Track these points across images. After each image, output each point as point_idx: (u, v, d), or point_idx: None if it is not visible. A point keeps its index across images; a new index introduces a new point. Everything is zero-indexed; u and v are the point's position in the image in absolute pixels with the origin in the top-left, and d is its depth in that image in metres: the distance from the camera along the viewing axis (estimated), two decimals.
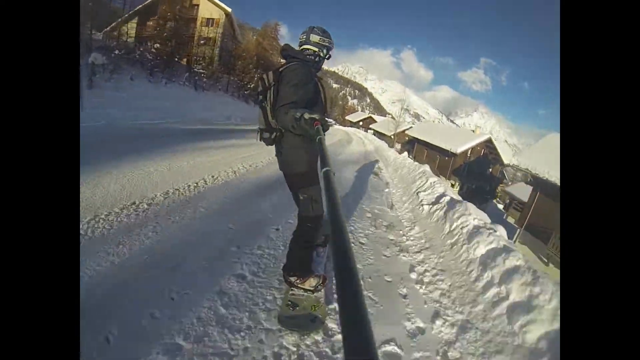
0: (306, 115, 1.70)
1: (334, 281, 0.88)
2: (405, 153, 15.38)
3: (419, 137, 37.36)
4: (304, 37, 2.29)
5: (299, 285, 2.32)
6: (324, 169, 1.01)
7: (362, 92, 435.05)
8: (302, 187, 2.25)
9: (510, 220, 27.26)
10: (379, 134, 47.35)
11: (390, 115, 75.69)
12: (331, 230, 0.63)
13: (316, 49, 2.29)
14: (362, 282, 0.84)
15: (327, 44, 2.31)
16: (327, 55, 2.38)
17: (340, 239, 0.59)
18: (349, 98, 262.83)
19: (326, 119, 1.86)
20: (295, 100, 1.94)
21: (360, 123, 73.38)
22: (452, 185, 29.47)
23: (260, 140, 2.34)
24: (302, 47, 2.31)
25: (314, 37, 2.27)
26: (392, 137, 43.02)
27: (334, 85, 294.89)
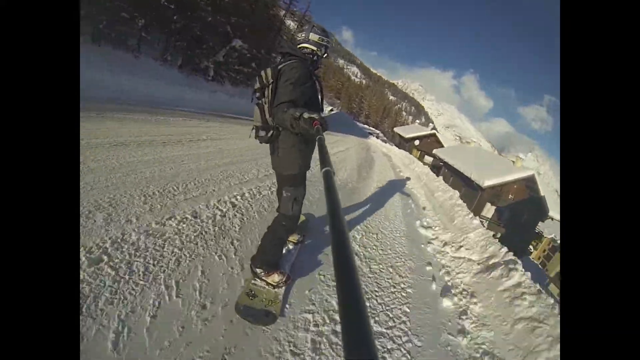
0: (305, 115, 1.72)
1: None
2: None
3: None
4: (303, 35, 2.33)
5: (262, 278, 2.47)
6: (324, 169, 1.01)
7: (419, 110, 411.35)
8: (288, 187, 2.36)
9: None
10: (456, 174, 23.88)
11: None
12: (331, 230, 0.63)
13: (315, 48, 2.32)
14: (361, 282, 0.74)
15: (325, 44, 2.34)
16: (325, 54, 2.39)
17: (340, 238, 0.59)
18: (404, 113, 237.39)
19: (324, 118, 1.82)
20: (293, 99, 1.97)
21: (416, 142, 48.27)
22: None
23: (255, 138, 2.37)
24: (300, 46, 2.33)
25: (314, 36, 2.30)
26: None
27: (391, 98, 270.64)
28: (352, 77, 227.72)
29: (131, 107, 8.93)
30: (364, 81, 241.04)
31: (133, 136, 5.92)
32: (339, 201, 0.75)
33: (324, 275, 2.98)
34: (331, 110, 77.36)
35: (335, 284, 0.52)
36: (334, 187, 0.83)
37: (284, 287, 2.50)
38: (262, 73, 2.22)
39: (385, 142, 37.09)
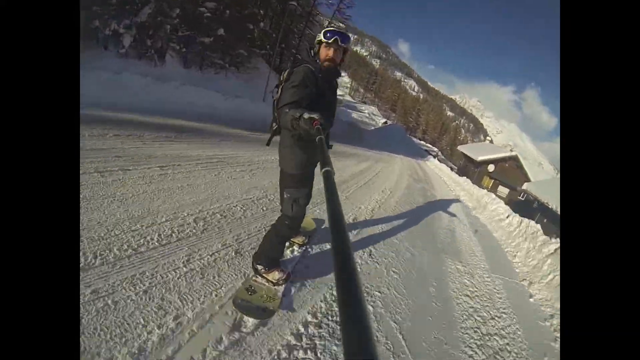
0: (305, 115, 1.72)
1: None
2: None
3: None
4: None
5: (263, 275, 2.50)
6: (324, 169, 1.01)
7: (477, 128, 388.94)
8: (287, 187, 2.40)
9: None
10: None
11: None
12: (331, 230, 0.63)
13: (315, 49, 2.33)
14: (361, 282, 0.77)
15: (319, 39, 2.29)
16: (317, 48, 2.33)
17: (340, 239, 0.59)
18: (462, 130, 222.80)
19: (327, 119, 1.86)
20: (296, 101, 2.01)
21: (490, 167, 35.05)
22: None
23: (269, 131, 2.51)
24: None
25: (316, 40, 2.32)
26: None
27: (449, 114, 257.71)
28: (409, 91, 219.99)
29: None
30: (421, 95, 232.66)
31: None
32: (339, 201, 0.76)
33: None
34: (385, 122, 69.77)
35: (335, 284, 0.50)
36: (334, 187, 0.85)
37: (284, 285, 2.52)
38: (283, 73, 2.32)
39: (466, 179, 22.47)
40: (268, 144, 2.49)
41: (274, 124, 2.43)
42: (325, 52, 2.25)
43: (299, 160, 2.33)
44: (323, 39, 2.22)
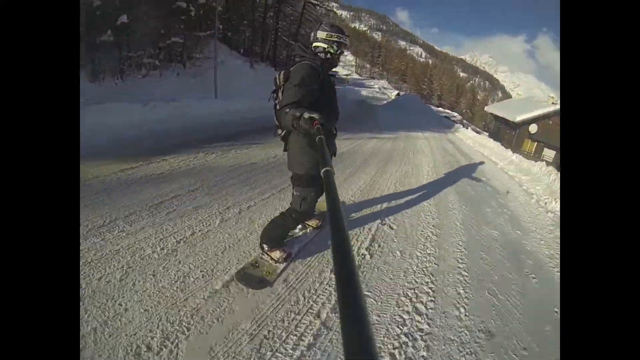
0: (305, 115, 1.73)
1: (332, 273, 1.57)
2: None
3: None
4: (312, 34, 2.35)
5: (267, 252, 2.69)
6: (324, 169, 1.02)
7: (493, 85, 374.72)
8: (297, 186, 2.48)
9: None
10: None
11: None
12: (331, 230, 0.63)
13: (325, 46, 2.29)
14: (361, 282, 0.75)
15: (335, 39, 2.28)
16: (339, 51, 2.34)
17: (340, 239, 0.59)
18: (479, 90, 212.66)
19: (327, 117, 1.85)
20: (297, 101, 1.98)
21: (532, 128, 28.35)
22: None
23: (276, 135, 2.53)
24: (313, 45, 2.34)
25: (321, 34, 2.28)
26: None
27: (461, 74, 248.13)
28: (417, 58, 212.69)
29: None
30: (430, 60, 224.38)
31: None
32: (339, 201, 0.77)
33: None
34: (397, 94, 64.22)
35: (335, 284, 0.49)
36: (334, 187, 0.85)
37: (284, 263, 2.69)
38: (276, 75, 2.31)
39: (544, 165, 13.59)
40: (285, 150, 2.55)
41: (279, 130, 2.43)
42: (340, 52, 2.34)
43: (307, 162, 2.36)
44: (344, 41, 2.30)
